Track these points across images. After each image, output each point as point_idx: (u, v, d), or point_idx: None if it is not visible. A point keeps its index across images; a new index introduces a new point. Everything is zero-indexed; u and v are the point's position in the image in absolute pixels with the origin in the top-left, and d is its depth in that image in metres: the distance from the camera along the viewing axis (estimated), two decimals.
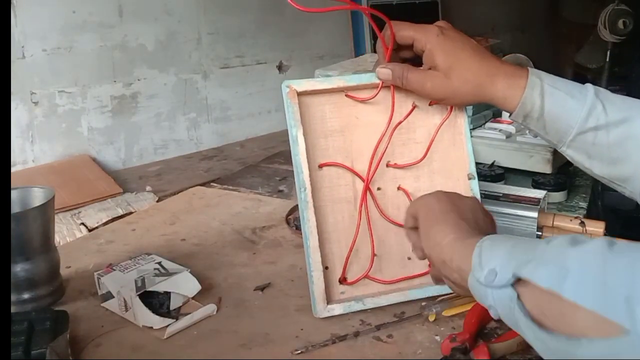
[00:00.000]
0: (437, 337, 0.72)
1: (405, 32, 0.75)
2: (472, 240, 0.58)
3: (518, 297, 0.50)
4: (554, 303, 0.46)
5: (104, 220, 1.14)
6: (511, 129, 1.27)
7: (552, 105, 0.71)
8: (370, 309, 0.77)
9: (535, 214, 0.91)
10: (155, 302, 0.78)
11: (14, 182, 0.80)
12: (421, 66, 0.76)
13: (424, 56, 0.74)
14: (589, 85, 0.72)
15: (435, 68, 0.73)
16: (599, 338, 0.42)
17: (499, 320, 0.74)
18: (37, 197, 0.83)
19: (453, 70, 0.72)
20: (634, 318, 0.40)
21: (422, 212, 0.67)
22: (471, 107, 1.32)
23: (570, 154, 0.73)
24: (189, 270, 0.81)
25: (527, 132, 1.24)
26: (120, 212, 1.18)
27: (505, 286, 0.51)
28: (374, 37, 2.06)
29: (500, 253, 0.53)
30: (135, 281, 0.78)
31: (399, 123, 0.80)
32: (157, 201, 1.25)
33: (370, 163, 0.79)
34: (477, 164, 0.84)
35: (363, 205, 0.79)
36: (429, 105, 0.81)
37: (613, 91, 0.72)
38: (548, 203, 1.05)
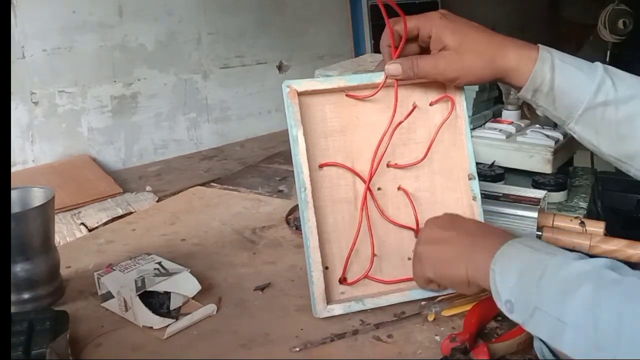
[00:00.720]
0: (437, 337, 0.72)
1: (409, 23, 0.75)
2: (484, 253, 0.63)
3: None
4: None
5: (104, 220, 1.14)
6: (511, 129, 1.27)
7: (562, 79, 0.70)
8: (370, 309, 0.77)
9: (535, 214, 0.91)
10: (155, 302, 0.78)
11: (14, 182, 0.80)
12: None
13: (432, 41, 0.74)
14: (598, 63, 0.72)
15: (445, 48, 0.73)
16: None
17: (499, 320, 0.75)
18: (37, 197, 0.83)
19: (464, 45, 0.72)
20: None
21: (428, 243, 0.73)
22: (471, 107, 1.33)
23: (578, 130, 0.72)
24: (189, 270, 0.81)
25: (527, 131, 1.24)
26: (120, 212, 1.18)
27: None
28: (374, 37, 2.06)
29: (511, 283, 0.58)
30: (135, 281, 0.78)
31: (400, 123, 0.80)
32: (157, 201, 1.25)
33: (372, 163, 0.79)
34: (477, 164, 0.83)
35: (363, 206, 0.79)
36: (430, 105, 0.81)
37: None
38: (548, 203, 1.05)
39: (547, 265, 0.55)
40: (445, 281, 0.71)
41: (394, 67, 0.76)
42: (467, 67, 0.73)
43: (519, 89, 0.74)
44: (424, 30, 0.74)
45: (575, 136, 0.74)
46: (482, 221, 0.78)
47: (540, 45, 0.72)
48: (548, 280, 0.54)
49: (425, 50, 0.77)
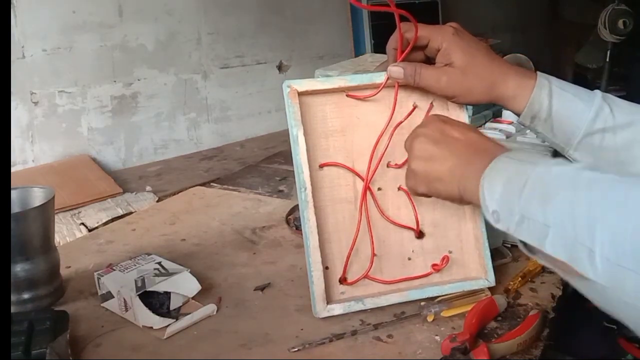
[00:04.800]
0: (437, 337, 0.72)
1: (421, 31, 0.75)
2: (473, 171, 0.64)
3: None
4: None
5: (104, 220, 1.14)
6: (511, 129, 1.27)
7: (559, 106, 0.71)
8: (370, 309, 0.77)
9: None
10: (155, 302, 0.78)
11: (14, 182, 0.80)
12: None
13: (440, 54, 0.74)
14: (597, 91, 0.73)
15: (451, 65, 0.74)
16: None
17: (499, 320, 0.75)
18: (37, 197, 0.83)
19: (470, 67, 0.73)
20: (594, 266, 0.48)
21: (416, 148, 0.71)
22: (471, 107, 1.33)
23: (578, 157, 0.73)
24: (189, 270, 0.81)
25: (527, 131, 1.24)
26: (120, 212, 1.18)
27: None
28: (374, 38, 2.06)
29: (497, 194, 0.59)
30: (135, 281, 0.78)
31: (400, 123, 0.80)
32: (157, 201, 1.25)
33: (370, 163, 0.79)
34: None
35: (363, 205, 0.79)
36: (429, 110, 0.81)
37: (613, 91, 0.72)
38: None
39: (529, 174, 0.56)
40: (438, 196, 0.71)
41: (397, 70, 0.77)
42: (468, 88, 0.74)
43: (518, 115, 0.74)
44: (434, 42, 0.75)
45: None
46: (471, 127, 0.74)
47: (538, 72, 0.73)
48: (531, 187, 0.56)
49: (429, 60, 0.77)
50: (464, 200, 0.67)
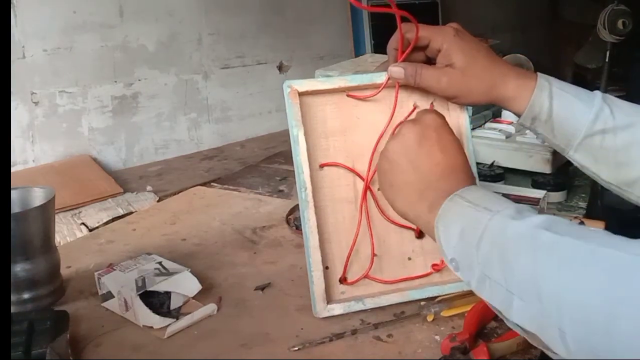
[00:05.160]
0: (437, 337, 0.72)
1: (421, 32, 0.75)
2: (431, 213, 0.62)
3: None
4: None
5: (104, 220, 1.14)
6: (511, 129, 1.27)
7: (560, 107, 0.71)
8: (370, 308, 0.77)
9: None
10: (156, 301, 0.78)
11: (14, 182, 0.80)
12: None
13: (440, 55, 0.75)
14: (597, 92, 0.73)
15: (452, 66, 0.74)
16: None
17: (499, 320, 0.75)
18: (38, 197, 0.83)
19: (470, 68, 0.73)
20: (567, 347, 0.45)
21: (387, 170, 0.68)
22: (471, 107, 1.33)
23: (578, 158, 0.73)
24: (190, 270, 0.81)
25: (527, 131, 1.24)
26: (121, 212, 1.18)
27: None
28: (374, 38, 2.06)
29: (454, 242, 0.58)
30: (136, 281, 0.78)
31: (400, 123, 0.80)
32: (158, 201, 1.25)
33: (370, 163, 0.79)
34: (477, 163, 0.84)
35: (363, 205, 0.79)
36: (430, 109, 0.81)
37: (612, 91, 0.72)
38: (548, 203, 1.05)
39: (485, 226, 0.55)
40: (392, 205, 0.69)
41: (397, 70, 0.77)
42: (468, 89, 0.74)
43: (518, 116, 0.74)
44: (435, 43, 0.75)
45: (575, 164, 0.74)
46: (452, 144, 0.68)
47: (539, 73, 0.73)
48: (489, 242, 0.54)
49: (430, 61, 0.77)
50: (418, 226, 0.66)
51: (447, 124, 0.68)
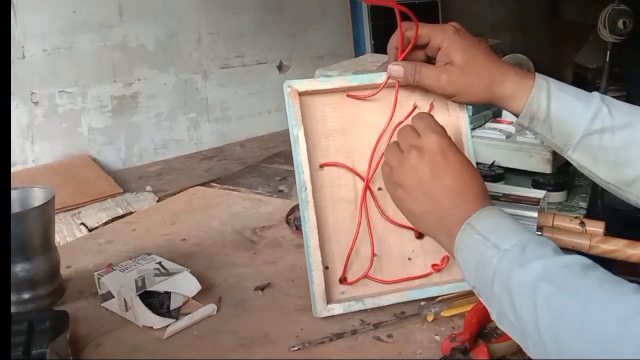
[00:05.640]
0: (437, 337, 0.72)
1: (421, 30, 0.75)
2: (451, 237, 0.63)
3: None
4: None
5: (104, 220, 1.14)
6: (511, 129, 1.27)
7: (558, 106, 0.71)
8: (370, 309, 0.77)
9: (535, 214, 0.91)
10: (156, 302, 0.78)
11: (14, 182, 0.80)
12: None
13: (440, 53, 0.74)
14: (595, 92, 0.73)
15: (452, 64, 0.74)
16: None
17: None
18: (37, 197, 0.83)
19: (470, 66, 0.73)
20: None
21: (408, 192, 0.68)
22: (471, 107, 1.33)
23: (576, 158, 0.73)
24: (189, 270, 0.81)
25: (527, 131, 1.24)
26: (121, 212, 1.18)
27: None
28: (374, 38, 2.06)
29: (472, 275, 0.60)
30: (136, 281, 0.78)
31: (400, 123, 0.80)
32: (157, 201, 1.25)
33: (370, 163, 0.79)
34: (477, 163, 0.84)
35: (363, 205, 0.79)
36: (430, 111, 0.81)
37: (613, 91, 0.72)
38: (548, 203, 1.05)
39: (495, 270, 0.56)
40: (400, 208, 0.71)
41: (397, 69, 0.76)
42: (468, 87, 0.74)
43: (517, 116, 0.74)
44: (434, 41, 0.74)
45: (574, 164, 0.74)
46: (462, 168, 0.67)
47: (537, 73, 0.73)
48: (499, 286, 0.56)
49: (430, 60, 0.77)
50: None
51: (450, 140, 0.67)
